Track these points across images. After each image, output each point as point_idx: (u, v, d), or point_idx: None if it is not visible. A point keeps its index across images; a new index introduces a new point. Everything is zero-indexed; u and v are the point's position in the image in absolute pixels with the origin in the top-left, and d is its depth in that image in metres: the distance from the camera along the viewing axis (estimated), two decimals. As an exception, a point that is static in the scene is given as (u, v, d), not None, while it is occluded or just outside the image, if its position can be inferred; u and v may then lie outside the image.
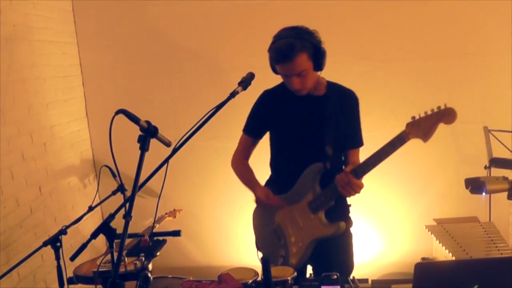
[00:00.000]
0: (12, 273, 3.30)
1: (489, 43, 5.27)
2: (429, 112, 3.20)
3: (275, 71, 3.45)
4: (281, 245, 3.56)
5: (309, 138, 3.57)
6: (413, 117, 3.27)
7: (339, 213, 3.61)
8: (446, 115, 3.17)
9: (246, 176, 3.79)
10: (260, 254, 3.74)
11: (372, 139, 5.50)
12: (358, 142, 3.77)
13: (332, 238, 3.45)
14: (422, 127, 3.25)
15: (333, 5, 5.29)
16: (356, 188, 3.34)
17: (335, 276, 2.93)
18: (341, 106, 3.63)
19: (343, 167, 3.62)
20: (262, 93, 3.65)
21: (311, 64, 3.39)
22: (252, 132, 3.74)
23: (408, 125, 3.29)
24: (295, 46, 3.30)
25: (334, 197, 3.42)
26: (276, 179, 3.79)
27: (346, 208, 3.72)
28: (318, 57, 3.40)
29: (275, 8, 5.23)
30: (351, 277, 3.12)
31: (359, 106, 3.72)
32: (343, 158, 3.71)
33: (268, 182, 3.84)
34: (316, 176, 3.50)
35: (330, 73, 4.49)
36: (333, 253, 3.56)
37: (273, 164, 3.81)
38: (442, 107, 3.16)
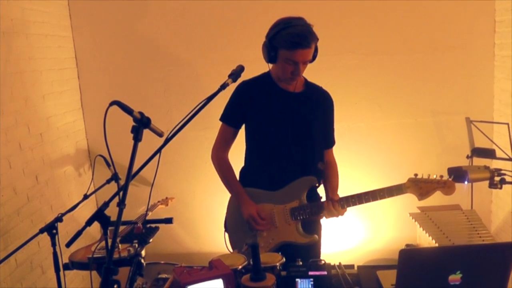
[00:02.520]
0: (9, 259, 3.31)
1: (471, 37, 5.29)
2: (432, 177, 3.33)
3: (272, 58, 3.42)
4: (251, 235, 3.56)
5: (294, 134, 3.57)
6: (416, 175, 3.37)
7: (315, 226, 3.74)
8: (446, 187, 3.32)
9: (230, 180, 3.76)
10: (227, 236, 3.81)
11: (357, 129, 5.56)
12: (333, 141, 3.87)
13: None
14: (421, 188, 3.35)
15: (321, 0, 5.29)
16: (338, 216, 3.53)
17: (323, 262, 2.94)
18: (321, 106, 3.68)
19: (318, 164, 3.69)
20: (240, 83, 3.56)
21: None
22: (231, 121, 3.67)
23: (409, 180, 3.39)
24: (313, 34, 3.34)
25: (318, 213, 3.55)
26: (253, 171, 3.78)
27: (319, 222, 3.82)
28: (316, 50, 3.44)
29: (264, 3, 5.21)
30: (337, 263, 3.13)
31: (334, 108, 3.77)
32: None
33: (243, 172, 3.84)
34: (307, 188, 3.58)
35: (318, 65, 4.47)
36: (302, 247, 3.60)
37: (252, 156, 3.79)
38: (445, 178, 3.30)
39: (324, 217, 3.60)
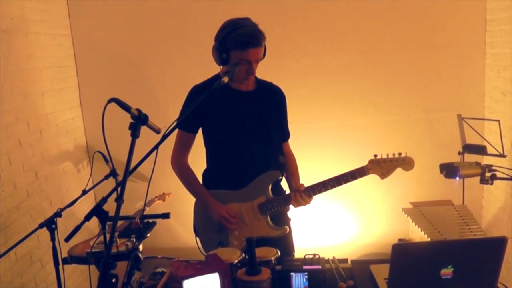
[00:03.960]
0: (9, 253, 3.30)
1: (463, 36, 5.29)
2: (390, 156, 3.41)
3: (225, 60, 3.38)
4: (223, 234, 3.59)
5: (252, 131, 3.57)
6: (375, 156, 3.43)
7: (283, 218, 3.75)
8: (405, 163, 3.43)
9: (193, 185, 3.75)
10: (198, 240, 3.78)
11: (351, 126, 5.56)
12: (288, 134, 3.91)
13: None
14: (382, 168, 3.43)
15: (315, -1, 5.29)
16: (305, 204, 3.53)
17: (317, 256, 2.95)
18: (274, 101, 3.70)
19: (279, 157, 3.70)
20: (192, 88, 3.56)
21: None
22: (187, 126, 3.60)
23: (370, 161, 3.44)
24: (262, 33, 3.36)
25: (285, 205, 3.57)
26: (216, 172, 3.76)
27: (287, 215, 3.84)
28: (265, 47, 3.44)
29: (258, 3, 5.19)
30: (331, 257, 3.14)
31: (286, 101, 3.79)
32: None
33: (206, 175, 3.82)
34: (271, 182, 3.59)
35: (312, 64, 4.46)
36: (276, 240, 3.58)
37: (213, 158, 3.77)
38: (403, 155, 3.38)
39: (292, 207, 3.62)
